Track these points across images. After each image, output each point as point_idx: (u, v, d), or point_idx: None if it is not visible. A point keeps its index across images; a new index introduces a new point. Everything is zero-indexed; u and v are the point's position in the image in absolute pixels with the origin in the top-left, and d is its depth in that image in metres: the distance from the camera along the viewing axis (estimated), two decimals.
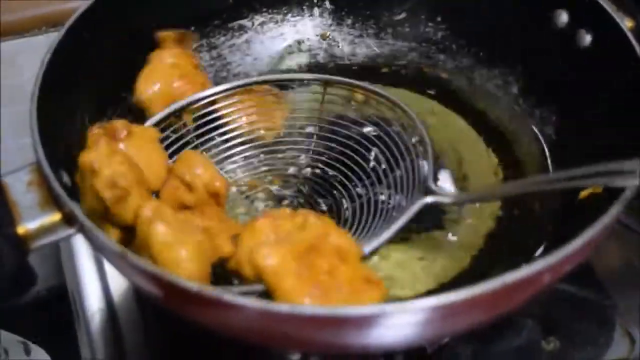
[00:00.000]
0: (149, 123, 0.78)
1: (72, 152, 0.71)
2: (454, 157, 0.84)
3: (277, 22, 0.97)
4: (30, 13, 0.99)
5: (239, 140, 0.83)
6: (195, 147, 0.80)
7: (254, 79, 0.86)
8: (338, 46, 0.97)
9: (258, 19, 0.95)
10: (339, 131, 0.83)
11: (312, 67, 0.95)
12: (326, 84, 0.84)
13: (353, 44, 0.97)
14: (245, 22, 0.95)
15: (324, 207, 0.78)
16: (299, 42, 0.97)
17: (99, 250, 0.63)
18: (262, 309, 0.50)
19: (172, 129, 0.80)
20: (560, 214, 0.76)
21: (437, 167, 0.79)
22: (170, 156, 0.76)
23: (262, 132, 0.84)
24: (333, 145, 0.82)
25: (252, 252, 0.61)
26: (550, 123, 0.85)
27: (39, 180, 0.62)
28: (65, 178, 0.64)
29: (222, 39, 0.94)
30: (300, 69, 0.95)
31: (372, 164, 0.80)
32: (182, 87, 0.81)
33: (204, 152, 0.80)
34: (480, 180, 0.82)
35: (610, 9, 0.75)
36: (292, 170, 0.82)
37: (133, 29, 0.83)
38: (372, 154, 0.80)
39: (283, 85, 0.87)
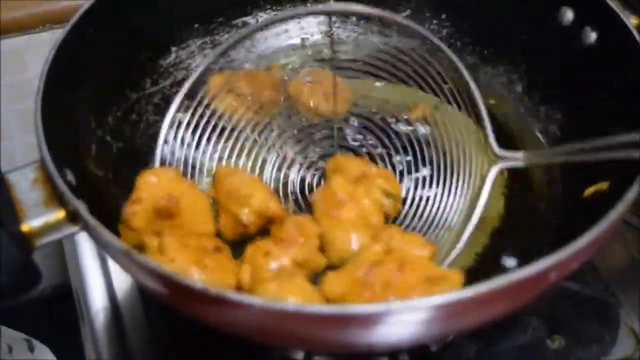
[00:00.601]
0: None
1: (77, 149, 0.72)
2: (459, 155, 0.83)
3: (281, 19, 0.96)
4: (35, 10, 0.99)
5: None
6: None
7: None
8: (342, 43, 0.97)
9: (262, 15, 0.95)
10: None
11: (316, 64, 0.95)
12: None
13: (357, 41, 0.97)
14: (249, 19, 0.95)
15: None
16: (303, 39, 0.97)
17: (103, 248, 0.62)
18: (267, 307, 0.49)
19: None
20: (566, 212, 0.76)
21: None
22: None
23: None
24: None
25: None
26: (554, 121, 0.85)
27: (43, 178, 0.61)
28: (70, 176, 0.64)
29: (226, 36, 0.94)
30: (304, 66, 0.94)
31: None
32: None
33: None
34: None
35: (615, 6, 0.74)
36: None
37: (137, 26, 0.83)
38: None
39: None
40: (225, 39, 0.93)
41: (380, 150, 0.83)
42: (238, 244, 0.72)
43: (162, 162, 0.80)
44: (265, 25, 0.86)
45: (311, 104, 0.85)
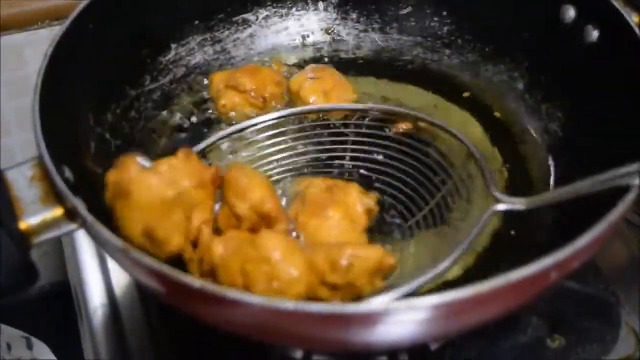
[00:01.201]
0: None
1: (76, 147, 0.72)
2: (460, 155, 0.83)
3: (281, 16, 0.96)
4: (34, 7, 0.99)
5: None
6: None
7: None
8: (343, 41, 0.97)
9: (262, 13, 0.95)
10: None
11: (317, 62, 0.95)
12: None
13: (358, 39, 0.97)
14: (249, 16, 0.94)
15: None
16: (304, 37, 0.97)
17: (101, 245, 0.62)
18: (266, 306, 0.49)
19: None
20: (566, 212, 0.76)
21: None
22: None
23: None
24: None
25: None
26: (556, 119, 0.84)
27: (41, 175, 0.61)
28: (68, 173, 0.63)
29: (227, 33, 0.93)
30: (305, 63, 0.94)
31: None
32: None
33: None
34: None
35: (617, 4, 0.74)
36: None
37: (137, 22, 0.83)
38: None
39: None
40: (225, 36, 0.93)
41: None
42: None
43: None
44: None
45: (310, 101, 0.85)
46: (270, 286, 0.59)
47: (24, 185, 0.61)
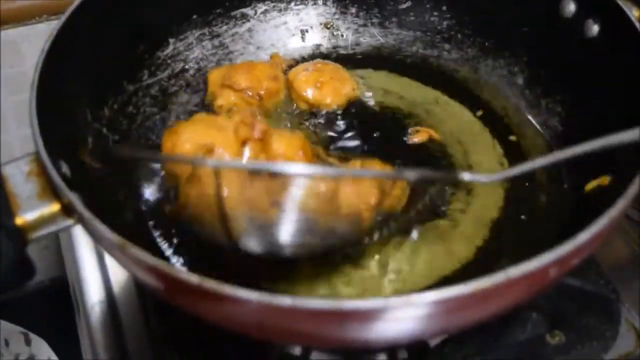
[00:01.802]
0: None
1: (73, 142, 0.71)
2: (459, 147, 0.83)
3: (280, 10, 0.96)
4: (31, 1, 0.98)
5: None
6: None
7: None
8: (342, 35, 0.96)
9: (261, 7, 0.94)
10: None
11: (315, 57, 0.94)
12: None
13: (357, 33, 0.96)
14: (247, 10, 0.94)
15: None
16: (303, 31, 0.96)
17: (98, 241, 0.62)
18: (263, 302, 0.49)
19: None
20: (567, 207, 0.75)
21: None
22: None
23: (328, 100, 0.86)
24: None
25: None
26: (555, 114, 0.84)
27: (38, 170, 0.61)
28: (65, 168, 0.63)
29: (225, 27, 0.93)
30: (303, 60, 0.94)
31: None
32: None
33: None
34: (485, 171, 0.81)
35: None
36: None
37: (134, 17, 0.82)
38: None
39: None
40: (223, 30, 0.93)
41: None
42: None
43: None
44: None
45: (303, 93, 0.85)
46: None
47: (21, 180, 0.61)
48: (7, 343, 1.06)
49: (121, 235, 0.54)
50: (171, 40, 0.88)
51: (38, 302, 1.19)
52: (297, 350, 0.75)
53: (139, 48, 0.85)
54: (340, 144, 0.83)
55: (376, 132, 0.84)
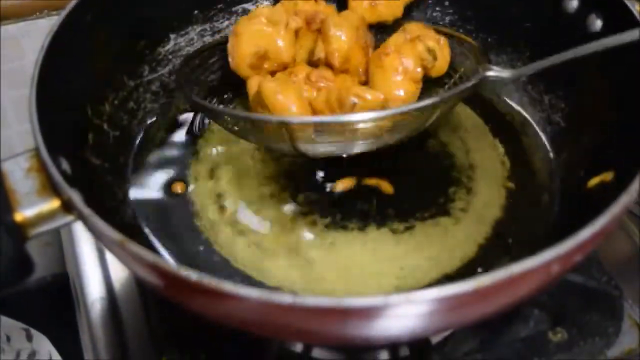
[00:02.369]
0: None
1: (73, 138, 0.71)
2: (460, 146, 0.83)
3: None
4: None
5: None
6: None
7: None
8: None
9: (262, 2, 0.94)
10: None
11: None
12: None
13: None
14: (249, 5, 0.93)
15: None
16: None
17: (97, 238, 0.62)
18: (263, 300, 0.48)
19: None
20: (569, 203, 0.75)
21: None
22: None
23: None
24: None
25: None
26: (558, 110, 0.84)
27: (38, 167, 0.60)
28: (65, 165, 0.63)
29: (226, 23, 0.93)
30: None
31: None
32: None
33: None
34: (486, 169, 0.81)
35: None
36: None
37: (135, 12, 0.82)
38: None
39: None
40: (224, 26, 0.92)
41: None
42: None
43: None
44: None
45: None
46: None
47: (20, 176, 0.60)
48: (8, 339, 1.05)
49: (121, 232, 0.54)
50: (172, 36, 0.88)
51: (39, 298, 1.19)
52: (298, 348, 0.75)
53: (139, 44, 0.84)
54: None
55: None
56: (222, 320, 0.57)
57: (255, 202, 0.78)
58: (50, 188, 0.60)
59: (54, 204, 0.59)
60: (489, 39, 0.90)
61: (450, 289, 0.49)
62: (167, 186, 0.79)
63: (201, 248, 0.74)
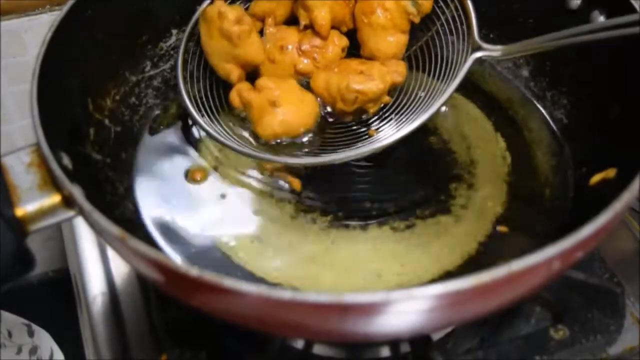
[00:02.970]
0: None
1: (74, 133, 0.71)
2: (462, 141, 0.83)
3: None
4: None
5: None
6: None
7: None
8: None
9: None
10: None
11: None
12: None
13: None
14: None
15: None
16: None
17: (98, 233, 0.61)
18: (263, 296, 0.48)
19: None
20: (570, 200, 0.75)
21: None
22: None
23: None
24: None
25: None
26: (561, 106, 0.84)
27: (38, 162, 0.60)
28: (66, 160, 0.63)
29: None
30: None
31: None
32: None
33: None
34: (488, 164, 0.80)
35: None
36: None
37: (137, 7, 0.82)
38: None
39: None
40: None
41: None
42: None
43: None
44: None
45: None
46: None
47: (21, 171, 0.60)
48: (10, 334, 1.06)
49: (121, 227, 0.54)
50: (174, 31, 0.88)
51: (41, 293, 1.19)
52: (299, 344, 0.75)
53: (141, 39, 0.84)
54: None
55: None
56: (222, 315, 0.57)
57: (257, 198, 0.78)
58: (51, 183, 0.60)
59: (55, 199, 0.59)
60: (491, 35, 0.90)
61: (451, 286, 0.48)
62: (169, 182, 0.79)
63: (202, 244, 0.73)
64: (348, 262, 0.71)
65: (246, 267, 0.71)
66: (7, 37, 0.97)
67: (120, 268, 0.83)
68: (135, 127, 0.82)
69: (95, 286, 0.82)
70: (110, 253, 0.84)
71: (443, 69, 0.81)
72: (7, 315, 1.06)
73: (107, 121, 0.77)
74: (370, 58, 0.84)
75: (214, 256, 0.72)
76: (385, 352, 0.74)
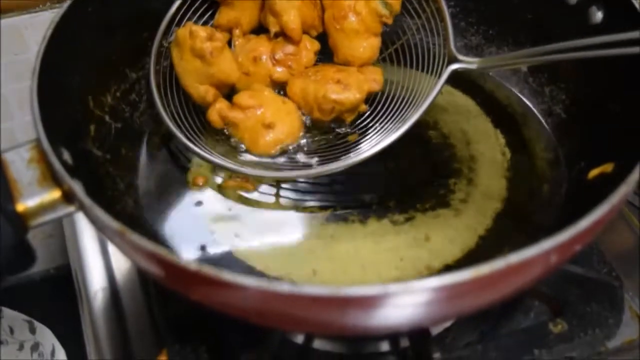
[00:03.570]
0: None
1: (74, 129, 0.71)
2: (461, 137, 0.83)
3: None
4: None
5: None
6: None
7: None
8: None
9: None
10: None
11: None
12: None
13: None
14: None
15: None
16: None
17: (98, 228, 0.62)
18: (262, 289, 0.49)
19: None
20: (569, 195, 0.75)
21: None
22: None
23: None
24: None
25: None
26: (559, 102, 0.84)
27: (39, 157, 0.61)
28: (66, 155, 0.63)
29: None
30: None
31: None
32: None
33: None
34: (487, 161, 0.81)
35: None
36: None
37: (138, 4, 0.82)
38: None
39: None
40: None
41: None
42: None
43: None
44: None
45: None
46: None
47: (22, 167, 0.61)
48: (11, 331, 1.06)
49: (122, 223, 0.54)
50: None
51: (43, 290, 1.19)
52: (299, 339, 0.75)
53: (142, 36, 0.84)
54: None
55: None
56: (222, 309, 0.57)
57: (256, 194, 0.78)
58: (51, 178, 0.60)
59: (55, 194, 0.60)
60: (490, 31, 0.91)
61: (449, 279, 0.49)
62: (170, 178, 0.79)
63: (203, 238, 0.74)
64: (347, 256, 0.72)
65: (246, 262, 0.72)
66: (8, 34, 0.97)
67: (120, 263, 0.83)
68: (135, 124, 0.83)
69: (96, 281, 0.82)
70: (111, 249, 0.84)
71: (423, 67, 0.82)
72: (8, 311, 1.06)
73: (107, 117, 0.77)
74: (345, 64, 0.84)
75: (214, 251, 0.73)
76: (385, 346, 0.75)
